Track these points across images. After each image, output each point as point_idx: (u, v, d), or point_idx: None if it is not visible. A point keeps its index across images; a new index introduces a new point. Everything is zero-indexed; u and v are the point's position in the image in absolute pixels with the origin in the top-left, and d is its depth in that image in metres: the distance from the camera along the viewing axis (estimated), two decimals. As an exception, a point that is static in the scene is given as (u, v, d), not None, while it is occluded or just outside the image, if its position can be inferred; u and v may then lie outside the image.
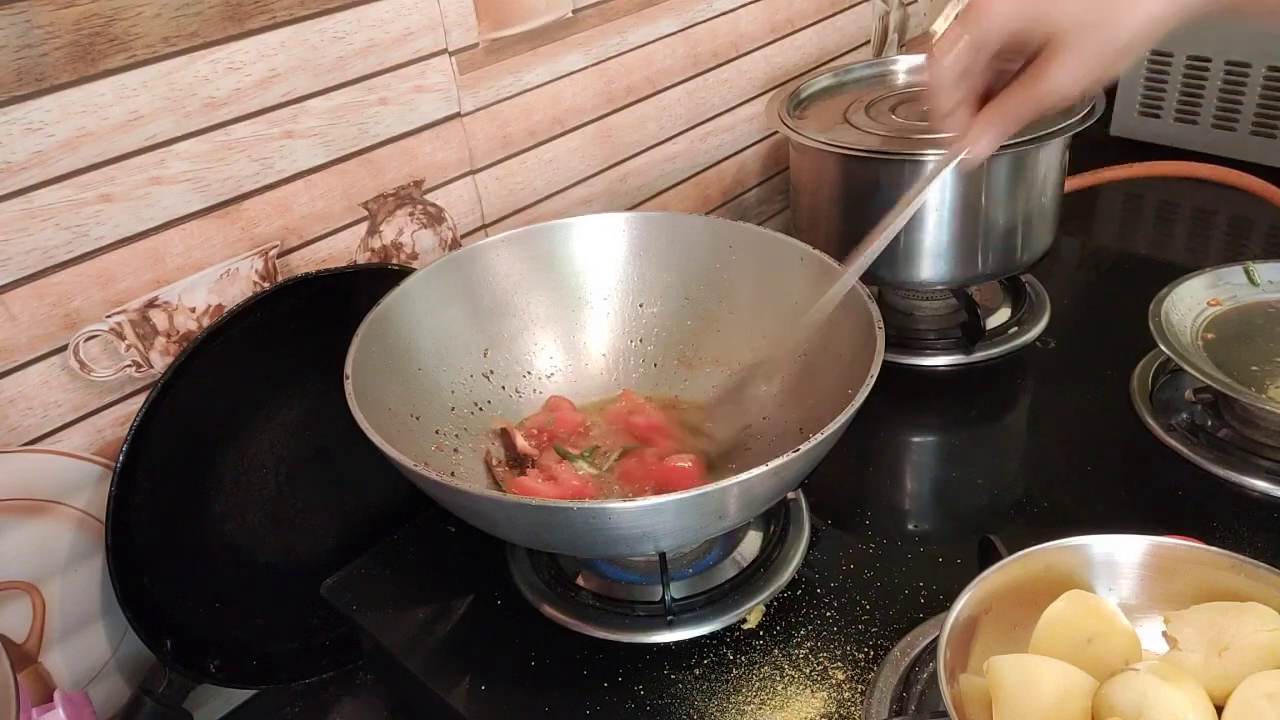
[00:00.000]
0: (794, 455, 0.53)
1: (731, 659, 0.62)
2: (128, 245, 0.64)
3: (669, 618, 0.63)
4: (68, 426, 0.65)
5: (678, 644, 0.63)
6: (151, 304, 0.66)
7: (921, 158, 0.79)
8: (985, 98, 0.57)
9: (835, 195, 0.87)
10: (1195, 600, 0.51)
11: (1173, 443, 0.75)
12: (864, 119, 0.88)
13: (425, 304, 0.72)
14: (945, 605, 0.50)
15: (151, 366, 0.67)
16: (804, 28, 1.10)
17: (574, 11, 0.86)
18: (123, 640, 0.71)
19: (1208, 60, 1.18)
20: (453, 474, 0.68)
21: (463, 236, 0.84)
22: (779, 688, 0.60)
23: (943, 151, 0.60)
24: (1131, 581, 0.54)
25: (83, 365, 0.64)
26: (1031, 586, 0.52)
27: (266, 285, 0.71)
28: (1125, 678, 0.46)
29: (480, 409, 0.74)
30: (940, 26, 0.54)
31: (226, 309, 0.69)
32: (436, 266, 0.73)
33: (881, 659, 0.60)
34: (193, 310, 0.68)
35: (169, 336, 0.67)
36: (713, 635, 0.63)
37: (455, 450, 0.71)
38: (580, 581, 0.67)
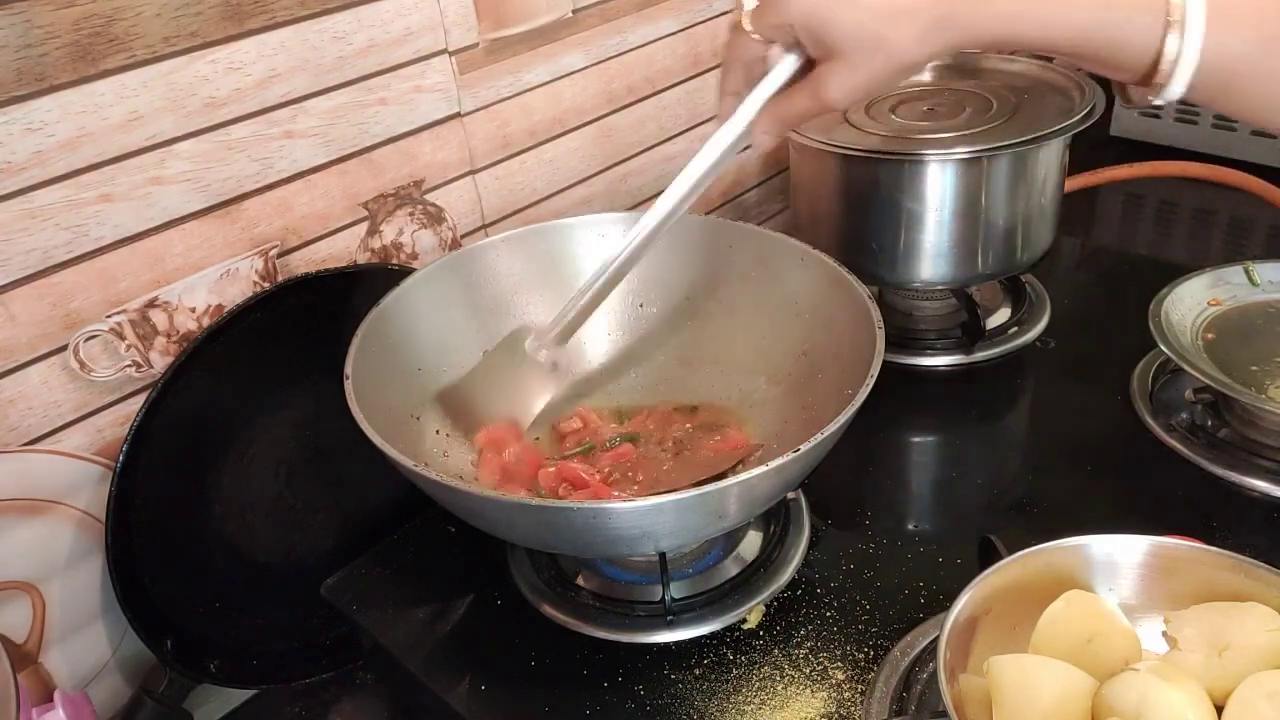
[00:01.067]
0: (794, 455, 0.53)
1: (731, 659, 0.62)
2: (128, 245, 0.64)
3: (669, 618, 0.63)
4: (68, 426, 0.65)
5: (678, 644, 0.63)
6: (151, 304, 0.66)
7: (922, 158, 0.79)
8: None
9: (835, 195, 0.87)
10: (1195, 600, 0.51)
11: (1173, 443, 0.75)
12: (864, 119, 0.88)
13: (425, 304, 0.72)
14: (945, 605, 0.50)
15: (151, 366, 0.67)
16: (804, 28, 1.10)
17: (574, 11, 0.86)
18: (123, 640, 0.71)
19: (1208, 60, 1.18)
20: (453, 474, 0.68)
21: (463, 236, 0.84)
22: (779, 688, 0.60)
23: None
24: (1131, 581, 0.53)
25: (83, 365, 0.64)
26: (1031, 586, 0.52)
27: (266, 285, 0.71)
28: (1125, 678, 0.46)
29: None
30: (747, 4, 0.55)
31: (226, 309, 0.69)
32: (436, 266, 0.73)
33: (881, 659, 0.60)
34: (193, 310, 0.68)
35: (169, 336, 0.67)
36: (713, 635, 0.63)
37: (455, 451, 0.71)
38: (580, 581, 0.67)
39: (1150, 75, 0.48)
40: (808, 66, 0.55)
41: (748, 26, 0.55)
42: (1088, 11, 0.48)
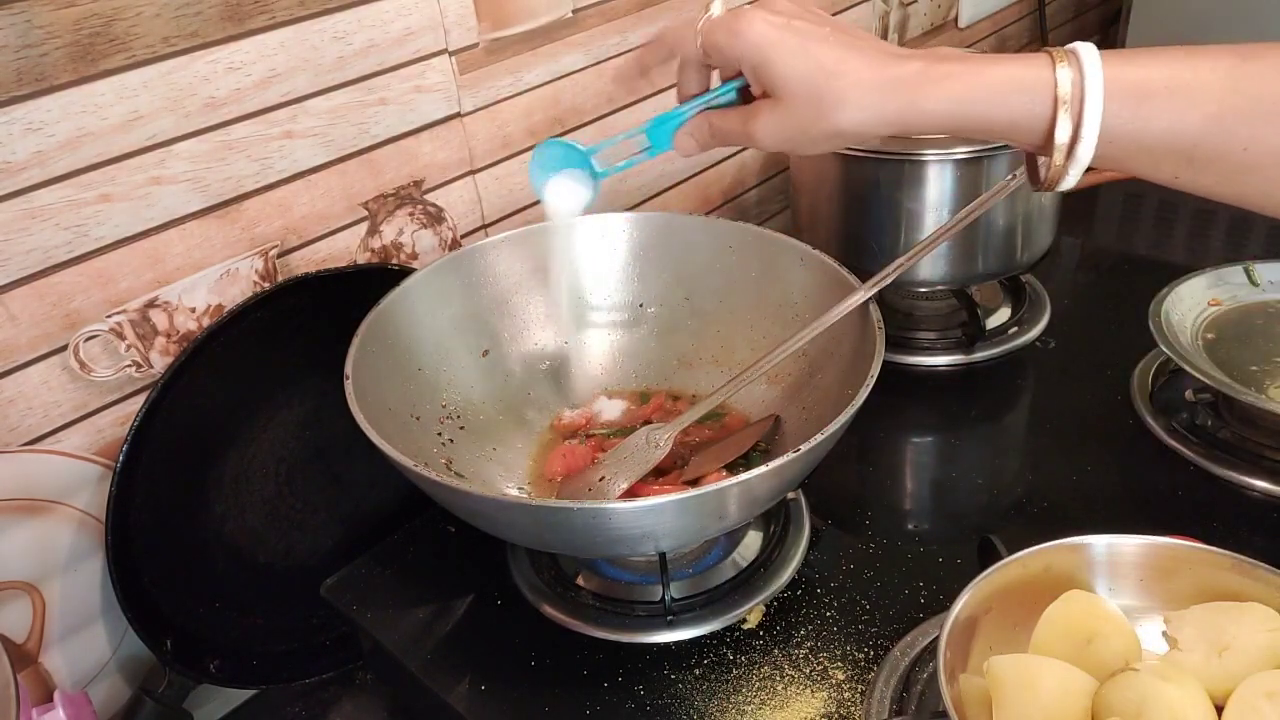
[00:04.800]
0: (794, 455, 0.53)
1: (731, 659, 0.62)
2: (128, 245, 0.64)
3: (669, 618, 0.63)
4: (68, 426, 0.65)
5: (678, 644, 0.63)
6: (151, 304, 0.66)
7: (921, 158, 0.79)
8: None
9: (835, 195, 0.87)
10: (1195, 600, 0.51)
11: (1173, 443, 0.75)
12: (864, 119, 0.88)
13: (425, 304, 0.72)
14: (945, 605, 0.50)
15: (151, 366, 0.67)
16: (804, 28, 1.10)
17: (574, 11, 0.86)
18: (123, 640, 0.71)
19: (1208, 60, 1.18)
20: (453, 474, 0.68)
21: (463, 236, 0.84)
22: (779, 688, 0.60)
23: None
24: (1131, 581, 0.54)
25: (83, 365, 0.64)
26: (1031, 586, 0.52)
27: (266, 285, 0.71)
28: (1125, 678, 0.46)
29: (480, 409, 0.74)
30: (715, 10, 0.54)
31: (226, 309, 0.69)
32: (436, 266, 0.73)
33: (881, 659, 0.60)
34: (193, 310, 0.68)
35: (169, 336, 0.67)
36: (713, 635, 0.63)
37: (455, 451, 0.71)
38: (580, 581, 0.67)
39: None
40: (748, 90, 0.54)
41: (699, 43, 0.53)
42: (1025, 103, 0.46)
